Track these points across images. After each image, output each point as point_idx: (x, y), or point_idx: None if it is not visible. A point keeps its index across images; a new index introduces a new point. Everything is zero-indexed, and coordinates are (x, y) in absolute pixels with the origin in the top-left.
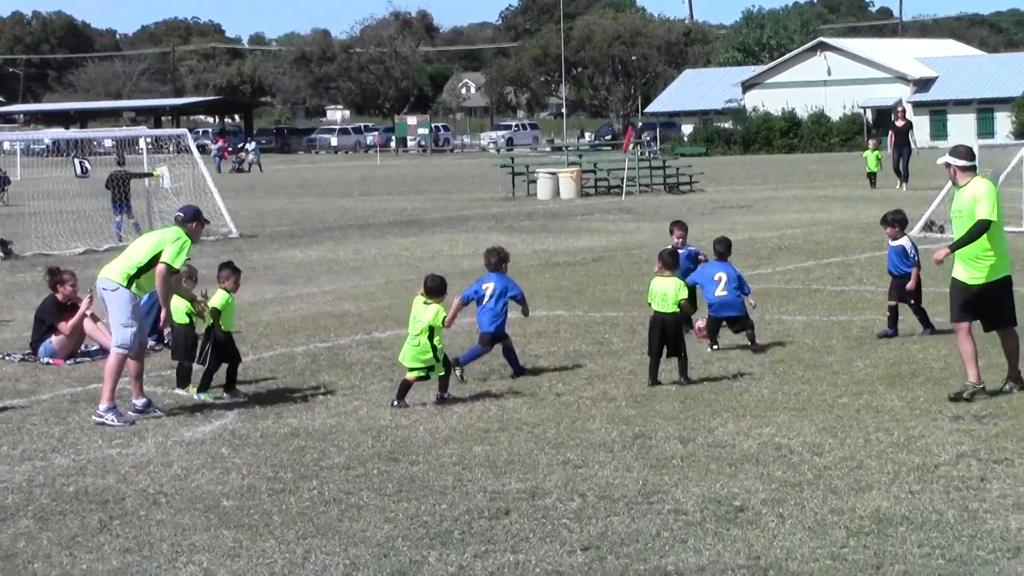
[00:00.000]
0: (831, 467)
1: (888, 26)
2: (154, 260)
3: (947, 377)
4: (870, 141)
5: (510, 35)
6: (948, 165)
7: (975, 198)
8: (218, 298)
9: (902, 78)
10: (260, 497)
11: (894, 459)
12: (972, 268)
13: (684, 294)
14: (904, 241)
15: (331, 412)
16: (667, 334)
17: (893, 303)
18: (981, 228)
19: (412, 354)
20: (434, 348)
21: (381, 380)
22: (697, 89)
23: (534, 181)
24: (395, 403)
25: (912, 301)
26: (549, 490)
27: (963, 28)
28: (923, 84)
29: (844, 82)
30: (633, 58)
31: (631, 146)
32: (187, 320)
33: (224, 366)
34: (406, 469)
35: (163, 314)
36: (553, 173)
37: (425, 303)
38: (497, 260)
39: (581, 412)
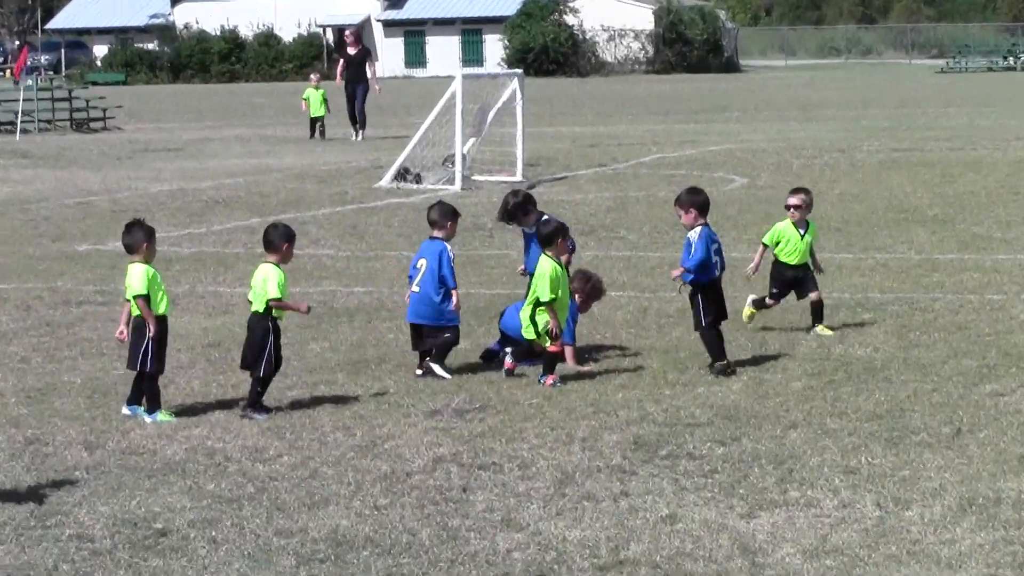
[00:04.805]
0: (278, 477)
1: None
2: None
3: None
4: (312, 75)
5: None
6: None
7: None
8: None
9: None
10: None
11: (356, 466)
12: None
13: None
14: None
15: None
16: None
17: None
18: None
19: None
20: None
21: None
22: (114, 1)
23: None
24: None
25: None
26: None
27: None
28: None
29: None
30: None
31: (23, 72)
32: None
33: None
34: None
35: None
36: None
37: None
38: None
39: None
